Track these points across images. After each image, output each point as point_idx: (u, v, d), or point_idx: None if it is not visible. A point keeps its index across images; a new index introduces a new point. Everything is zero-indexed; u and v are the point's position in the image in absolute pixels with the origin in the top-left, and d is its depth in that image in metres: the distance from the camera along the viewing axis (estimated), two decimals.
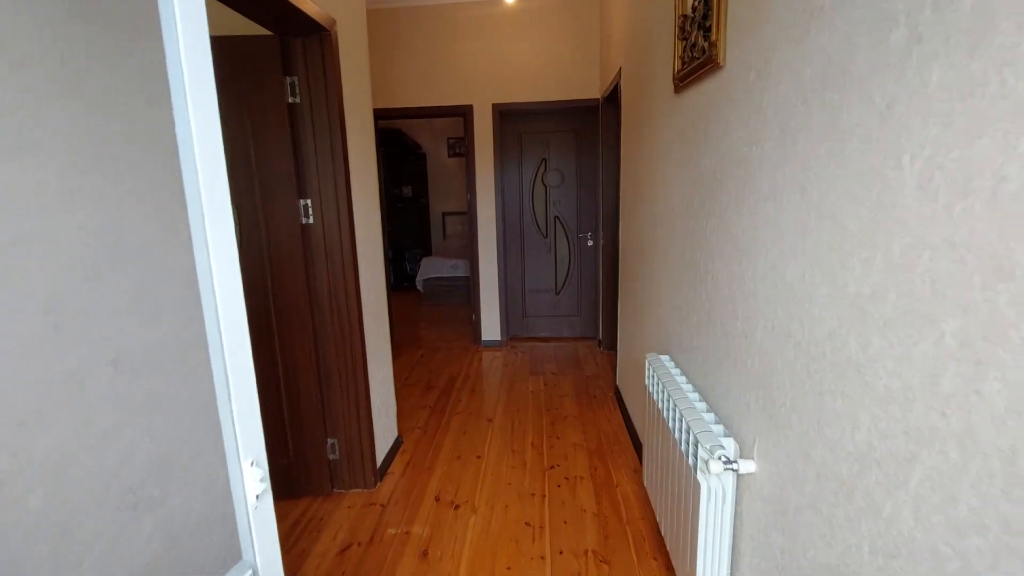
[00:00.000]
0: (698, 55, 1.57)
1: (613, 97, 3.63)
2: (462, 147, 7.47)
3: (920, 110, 0.70)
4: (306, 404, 2.25)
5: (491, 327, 4.58)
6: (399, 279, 7.57)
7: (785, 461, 1.11)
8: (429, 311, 6.07)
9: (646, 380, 2.01)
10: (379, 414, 2.51)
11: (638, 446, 2.67)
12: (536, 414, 3.16)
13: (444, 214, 7.96)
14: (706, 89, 1.55)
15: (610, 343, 4.27)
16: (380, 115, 4.29)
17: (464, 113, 4.24)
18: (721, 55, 1.40)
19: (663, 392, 1.75)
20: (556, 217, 4.52)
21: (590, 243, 4.51)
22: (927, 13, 0.68)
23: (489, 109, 4.22)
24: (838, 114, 0.87)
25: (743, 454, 1.33)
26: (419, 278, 6.34)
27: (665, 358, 1.98)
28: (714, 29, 1.41)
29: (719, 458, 1.29)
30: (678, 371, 1.85)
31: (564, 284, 4.64)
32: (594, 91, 4.16)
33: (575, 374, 3.84)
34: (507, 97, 4.20)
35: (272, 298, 2.16)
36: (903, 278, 0.74)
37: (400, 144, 7.21)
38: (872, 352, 0.82)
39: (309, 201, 2.12)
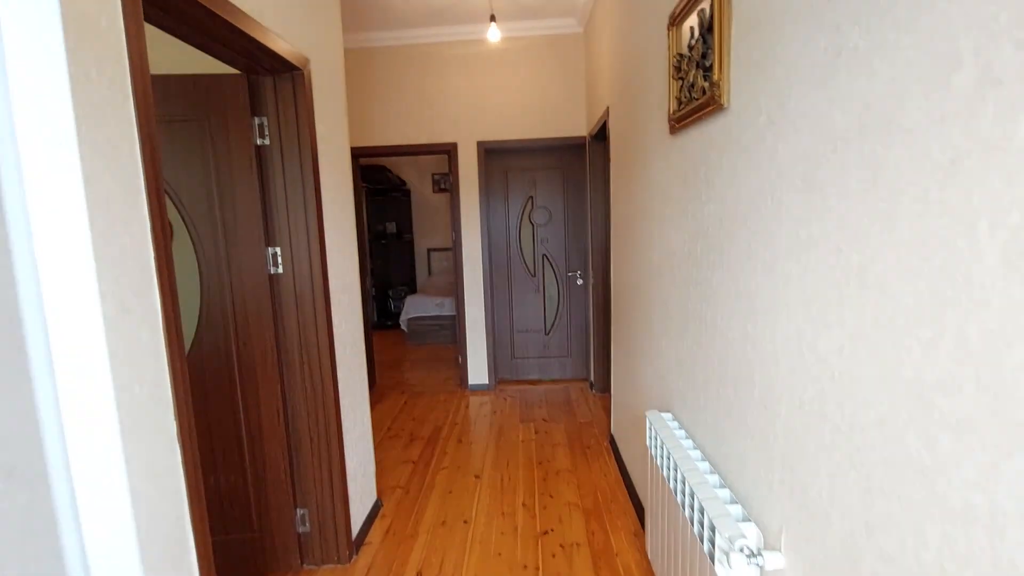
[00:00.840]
0: (697, 95, 1.46)
1: (601, 135, 3.56)
2: (447, 183, 7.39)
3: (1001, 167, 0.57)
4: (273, 471, 2.04)
5: (478, 370, 4.38)
6: (383, 317, 7.37)
7: (822, 562, 0.95)
8: (414, 352, 5.86)
9: (647, 440, 1.84)
10: (356, 476, 2.30)
11: (637, 505, 2.47)
12: (527, 468, 2.95)
13: (430, 250, 7.82)
14: (707, 131, 1.44)
15: (603, 385, 4.09)
16: (363, 153, 4.18)
17: (448, 151, 4.15)
18: (724, 96, 1.29)
19: (668, 459, 1.57)
20: (544, 255, 4.40)
21: (580, 282, 4.39)
22: (1006, 51, 0.56)
23: (474, 146, 4.14)
24: (882, 169, 0.74)
25: (767, 543, 1.16)
26: (403, 317, 6.15)
27: (667, 416, 1.82)
28: (716, 69, 1.31)
29: (741, 550, 1.12)
30: (683, 432, 1.68)
31: (554, 324, 4.48)
32: (581, 129, 4.10)
33: (567, 420, 3.65)
34: (492, 135, 4.12)
35: (236, 355, 1.97)
36: (985, 372, 0.60)
37: (384, 180, 7.11)
38: (942, 455, 0.66)
39: (278, 249, 1.96)
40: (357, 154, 4.16)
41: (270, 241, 1.95)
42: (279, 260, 1.96)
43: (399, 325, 6.34)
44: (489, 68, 4.07)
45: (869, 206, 0.77)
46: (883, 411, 0.77)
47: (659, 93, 1.90)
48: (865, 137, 0.78)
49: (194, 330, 1.96)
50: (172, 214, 1.92)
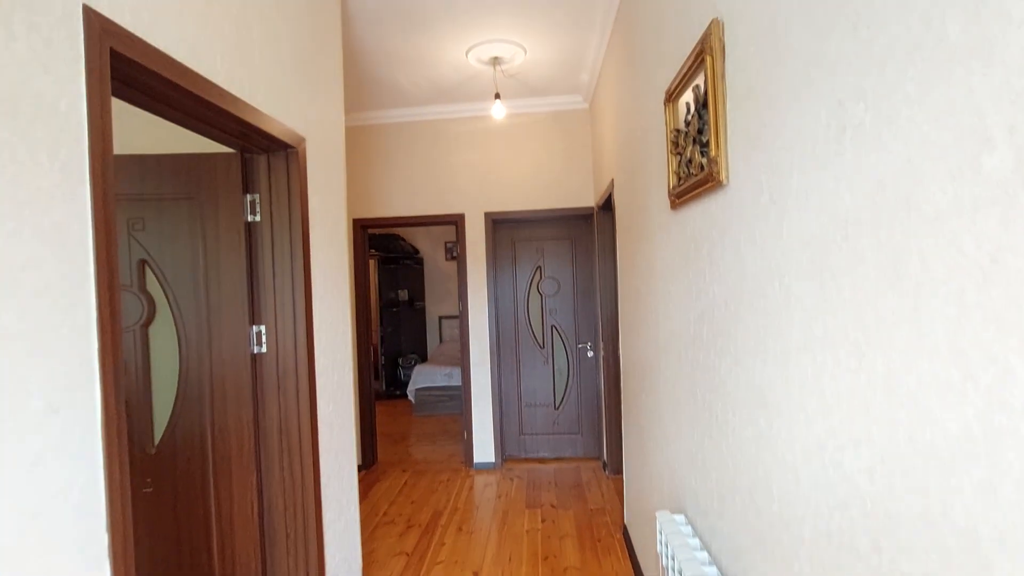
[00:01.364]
0: (695, 171, 1.38)
1: (608, 206, 3.52)
2: (458, 258, 7.44)
3: None
4: (242, 571, 1.85)
5: (484, 447, 4.15)
6: (392, 387, 7.20)
7: None
8: (420, 424, 5.64)
9: (658, 547, 1.62)
10: (337, 575, 2.09)
11: None
12: (531, 564, 2.68)
13: (441, 318, 7.75)
14: (707, 208, 1.35)
15: (616, 466, 3.82)
16: (371, 224, 4.20)
17: (456, 221, 4.15)
18: (723, 173, 1.20)
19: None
20: (553, 326, 4.28)
21: (590, 354, 4.22)
22: None
23: (481, 217, 4.14)
24: (904, 262, 0.62)
25: None
26: (411, 387, 5.98)
27: (680, 520, 1.61)
28: (712, 145, 1.23)
29: None
30: (697, 542, 1.47)
31: (563, 398, 4.28)
32: (589, 199, 4.09)
33: (577, 506, 3.37)
34: (500, 206, 4.13)
35: (211, 443, 1.84)
36: None
37: (397, 248, 7.18)
38: None
39: (263, 327, 1.87)
40: (365, 225, 4.19)
41: (255, 319, 1.87)
42: (263, 339, 1.87)
43: (407, 395, 6.17)
44: (496, 142, 4.13)
45: (892, 303, 0.65)
46: (932, 568, 0.60)
47: (659, 168, 1.84)
48: (880, 222, 0.66)
49: (168, 415, 1.85)
50: (156, 291, 1.87)
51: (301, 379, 1.88)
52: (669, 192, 1.65)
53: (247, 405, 1.84)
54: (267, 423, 1.88)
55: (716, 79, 1.20)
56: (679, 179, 1.56)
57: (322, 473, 1.98)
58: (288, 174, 1.88)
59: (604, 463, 4.02)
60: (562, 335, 4.28)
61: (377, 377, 6.93)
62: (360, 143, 4.19)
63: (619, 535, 2.97)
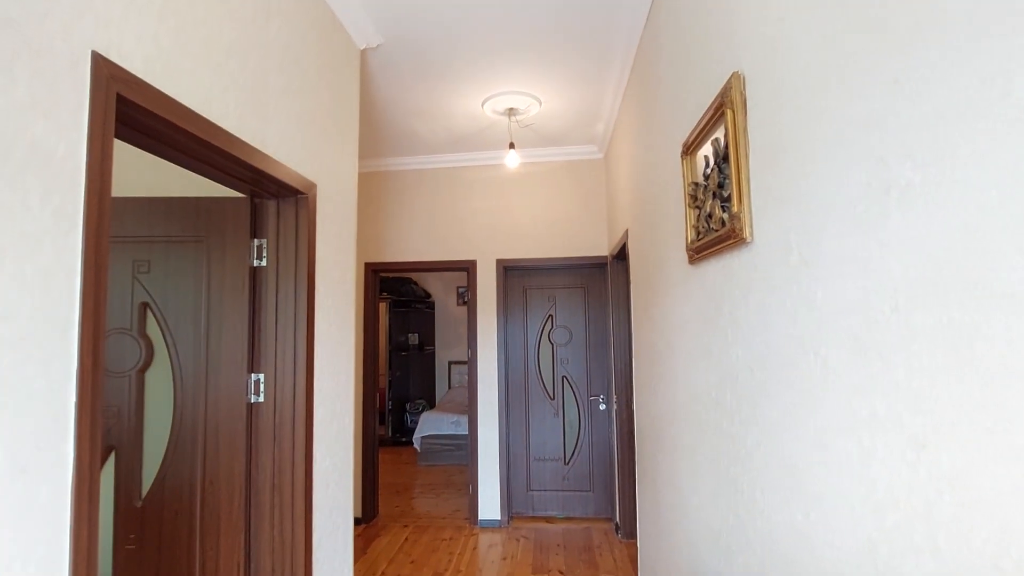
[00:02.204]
0: (716, 226, 1.31)
1: (622, 255, 3.46)
2: (468, 304, 7.42)
3: None
4: None
5: (490, 503, 3.96)
6: (398, 433, 7.02)
7: None
8: (425, 474, 5.44)
9: None
10: None
11: None
12: None
13: (451, 363, 7.64)
14: (729, 265, 1.27)
15: (630, 529, 3.60)
16: (382, 269, 4.18)
17: (467, 268, 4.12)
18: (746, 230, 1.13)
19: None
20: (564, 377, 4.15)
21: (602, 407, 4.07)
22: None
23: (493, 264, 4.10)
24: (971, 345, 0.54)
25: None
26: (417, 435, 5.81)
27: None
28: (735, 200, 1.17)
29: None
30: None
31: (574, 453, 4.10)
32: (602, 248, 4.04)
33: (588, 572, 3.16)
34: (512, 253, 4.10)
35: (201, 497, 1.74)
36: None
37: (409, 292, 7.17)
38: None
39: (262, 376, 1.80)
40: (376, 269, 4.17)
41: (254, 367, 1.81)
42: (261, 387, 1.80)
43: (412, 443, 5.99)
44: (510, 190, 4.14)
45: (957, 390, 0.56)
46: None
47: (676, 221, 1.78)
48: (943, 298, 0.58)
49: (158, 465, 1.77)
50: (155, 335, 1.82)
51: (298, 431, 1.79)
52: (687, 246, 1.58)
53: (240, 456, 1.75)
54: (260, 476, 1.78)
55: (738, 133, 1.15)
56: (698, 233, 1.49)
57: (315, 534, 1.86)
58: (297, 220, 1.86)
59: (617, 525, 3.79)
60: (573, 386, 4.14)
61: (383, 423, 6.78)
62: (375, 188, 4.23)
63: None
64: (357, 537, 3.73)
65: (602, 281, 4.12)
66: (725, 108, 1.21)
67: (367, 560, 3.35)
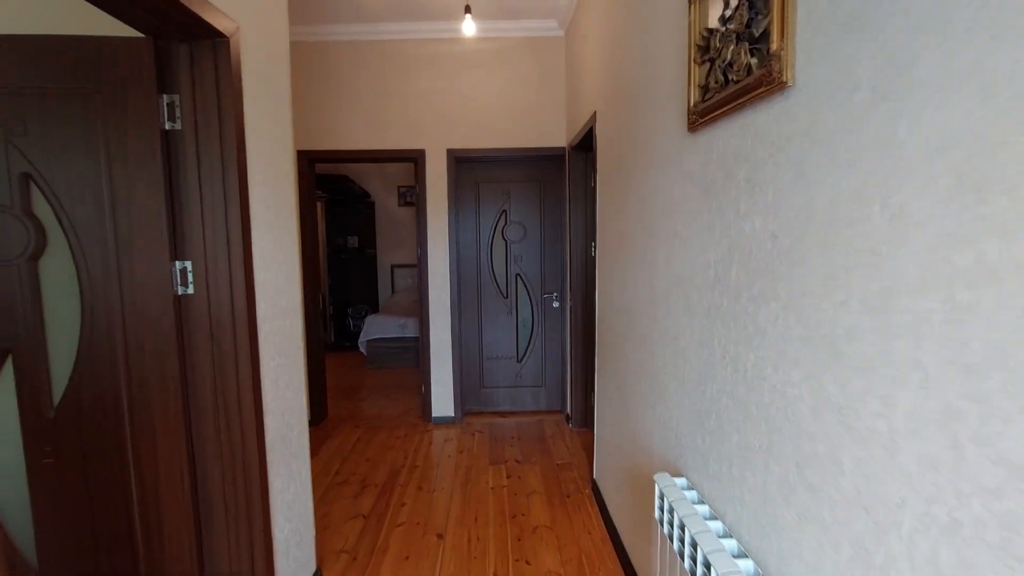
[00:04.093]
0: (738, 76, 1.13)
1: (585, 144, 3.25)
2: (414, 196, 7.02)
3: None
4: (174, 549, 1.57)
5: (443, 401, 3.95)
6: (341, 338, 6.83)
7: None
8: (373, 378, 5.36)
9: (657, 513, 1.47)
10: (288, 548, 1.84)
11: (629, 570, 2.09)
12: (499, 524, 2.54)
13: (393, 267, 7.37)
14: (751, 122, 1.11)
15: (582, 419, 3.73)
16: (319, 157, 3.75)
17: (415, 158, 3.77)
18: (787, 72, 0.95)
19: (694, 549, 1.20)
20: (518, 275, 4.04)
21: (556, 304, 4.03)
22: None
23: (443, 154, 3.77)
24: None
25: None
26: (362, 339, 5.65)
27: (681, 483, 1.46)
28: (774, 36, 0.97)
29: None
30: (707, 509, 1.32)
31: (527, 350, 4.10)
32: (560, 139, 3.79)
33: (543, 461, 3.25)
34: (464, 142, 3.77)
35: (128, 402, 1.51)
36: None
37: (346, 191, 6.66)
38: None
39: (188, 264, 1.52)
40: (312, 158, 3.74)
41: (178, 253, 1.52)
42: (189, 277, 1.53)
43: (358, 347, 5.84)
44: (461, 70, 3.73)
45: None
46: None
47: (671, 85, 1.58)
48: None
49: (70, 369, 1.50)
50: (46, 214, 1.47)
51: (240, 328, 1.56)
52: (689, 110, 1.40)
53: (172, 357, 1.51)
54: (198, 379, 1.56)
55: None
56: (705, 93, 1.31)
57: (267, 436, 1.70)
58: (217, 71, 1.49)
59: (568, 416, 3.91)
60: (527, 284, 4.05)
61: (326, 328, 6.54)
62: (307, 62, 3.67)
63: (588, 490, 2.86)
64: None
65: (559, 174, 3.92)
66: None
67: (320, 460, 3.28)
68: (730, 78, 1.17)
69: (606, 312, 2.57)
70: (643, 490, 1.94)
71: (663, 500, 1.43)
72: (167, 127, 1.48)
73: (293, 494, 1.90)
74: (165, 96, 1.47)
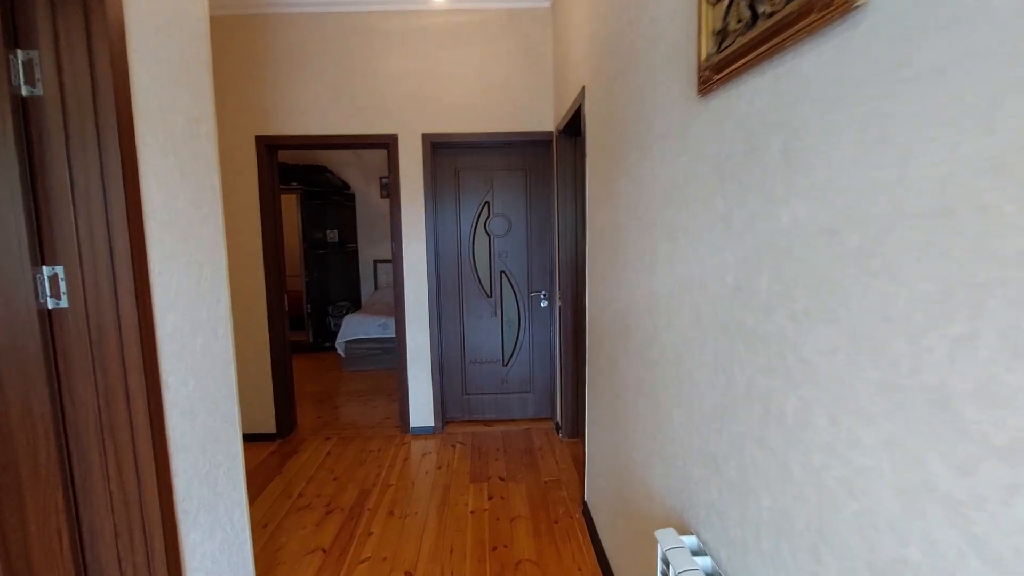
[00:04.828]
0: (773, 6, 0.80)
1: (573, 128, 2.92)
2: (390, 190, 6.66)
3: None
4: None
5: (422, 410, 3.63)
6: (321, 338, 6.49)
7: None
8: (351, 381, 5.04)
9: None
10: None
11: None
12: (478, 557, 2.23)
13: (376, 262, 7.02)
14: (794, 71, 0.79)
15: (572, 429, 3.42)
16: (280, 144, 3.40)
17: (387, 144, 3.42)
18: None
19: None
20: (503, 272, 3.71)
21: (544, 304, 3.72)
22: None
23: (418, 140, 3.43)
24: None
25: None
26: (340, 340, 5.32)
27: (691, 543, 1.15)
28: None
29: None
30: None
31: (513, 354, 3.79)
32: (547, 123, 3.46)
33: (530, 478, 2.95)
34: (441, 127, 3.43)
35: None
36: None
37: (324, 182, 6.30)
38: None
39: (60, 269, 1.19)
40: (272, 144, 3.38)
41: (46, 256, 1.19)
42: (61, 287, 1.19)
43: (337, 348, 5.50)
44: (438, 46, 3.38)
45: None
46: None
47: (674, 37, 1.25)
48: None
49: None
50: None
51: (130, 347, 1.23)
52: (699, 67, 1.07)
53: (39, 386, 1.18)
54: (79, 416, 1.24)
55: None
56: (721, 41, 0.98)
57: (177, 480, 1.37)
58: (89, 22, 1.15)
59: (557, 425, 3.61)
60: (513, 282, 3.73)
61: (303, 328, 6.20)
62: (261, 38, 3.31)
63: (579, 514, 2.56)
64: (271, 455, 3.31)
65: (546, 161, 3.59)
66: None
67: (281, 481, 2.96)
68: (761, 11, 0.84)
69: (597, 316, 2.25)
70: (642, 536, 1.63)
71: (668, 567, 1.12)
72: (24, 93, 1.14)
73: (219, 544, 1.58)
74: (20, 52, 1.13)
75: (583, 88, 2.40)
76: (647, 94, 1.47)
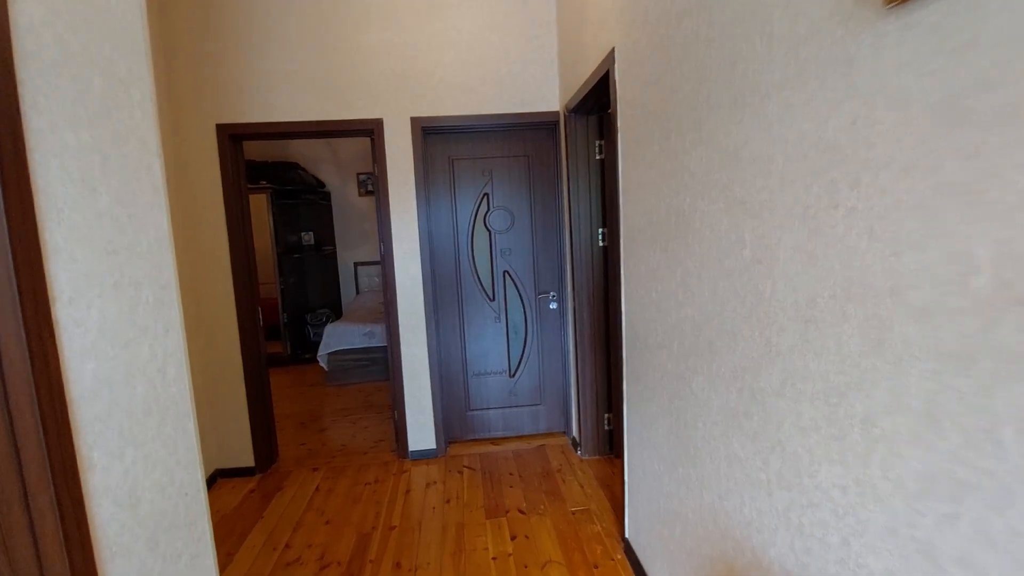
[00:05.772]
0: None
1: (588, 105, 2.53)
2: (375, 184, 6.18)
3: None
4: None
5: (422, 431, 3.21)
6: (299, 350, 5.99)
7: None
8: (336, 398, 4.57)
9: None
10: None
11: None
12: None
13: (357, 264, 6.54)
14: None
15: (595, 446, 3.05)
16: (246, 134, 2.92)
17: (371, 130, 2.98)
18: None
19: None
20: (506, 272, 3.31)
21: (553, 306, 3.33)
22: None
23: (406, 125, 3.00)
24: None
25: None
26: (322, 352, 4.85)
27: None
28: None
29: None
30: None
31: (521, 363, 3.39)
32: (552, 102, 3.06)
33: (554, 508, 2.56)
34: (431, 109, 3.00)
35: None
36: None
37: (296, 180, 5.78)
38: None
39: None
40: (236, 134, 2.91)
41: None
42: None
43: (318, 360, 5.02)
44: (425, 17, 2.95)
45: None
46: None
47: None
48: None
49: None
50: None
51: (22, 418, 0.80)
52: None
53: None
54: None
55: None
56: None
57: (107, 563, 0.94)
58: None
59: (574, 440, 3.23)
60: (517, 283, 3.33)
61: (279, 339, 5.70)
62: (224, 7, 2.83)
63: (620, 555, 2.19)
64: (250, 495, 2.86)
65: (550, 146, 3.19)
66: None
67: (265, 527, 2.51)
68: None
69: (642, 322, 1.88)
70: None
71: None
72: None
73: None
74: None
75: (611, 50, 2.00)
76: (753, 26, 1.09)
